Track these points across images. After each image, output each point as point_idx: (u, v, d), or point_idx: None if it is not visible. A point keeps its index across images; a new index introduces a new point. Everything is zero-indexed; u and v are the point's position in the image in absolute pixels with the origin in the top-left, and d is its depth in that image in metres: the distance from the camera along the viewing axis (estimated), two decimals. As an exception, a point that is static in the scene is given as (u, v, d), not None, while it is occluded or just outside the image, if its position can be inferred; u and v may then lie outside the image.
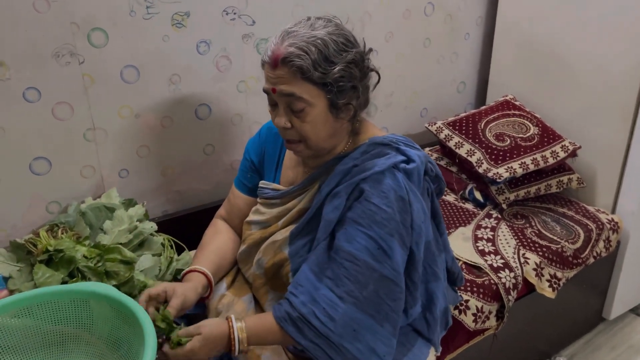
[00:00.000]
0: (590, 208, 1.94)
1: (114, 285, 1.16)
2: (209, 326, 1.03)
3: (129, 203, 1.47)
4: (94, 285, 1.01)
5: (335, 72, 1.03)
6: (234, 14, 1.60)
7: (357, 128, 1.18)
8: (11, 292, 1.20)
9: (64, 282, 1.14)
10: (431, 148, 2.19)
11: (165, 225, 1.60)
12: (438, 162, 2.08)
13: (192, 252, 1.44)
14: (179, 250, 1.43)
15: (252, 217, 1.30)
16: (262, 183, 1.30)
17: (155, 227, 1.38)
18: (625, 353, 1.99)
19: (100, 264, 1.17)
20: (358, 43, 1.09)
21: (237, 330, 1.03)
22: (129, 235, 1.35)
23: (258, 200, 1.31)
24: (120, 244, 1.32)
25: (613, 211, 1.96)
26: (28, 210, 1.44)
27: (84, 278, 1.15)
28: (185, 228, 1.64)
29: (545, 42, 2.05)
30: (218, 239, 1.33)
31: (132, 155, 1.57)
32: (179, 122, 1.61)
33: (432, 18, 2.08)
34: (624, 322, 2.13)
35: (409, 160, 1.13)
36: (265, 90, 1.08)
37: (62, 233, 1.30)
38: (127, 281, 1.17)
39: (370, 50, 1.11)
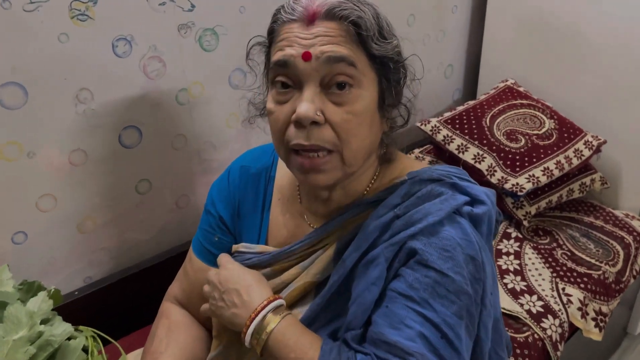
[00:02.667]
0: (618, 213, 1.63)
1: None
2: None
3: (28, 289, 0.99)
4: None
5: (395, 45, 0.71)
6: (164, -4, 1.12)
7: (390, 152, 0.79)
8: None
9: None
10: (421, 149, 1.80)
11: (90, 299, 1.15)
12: (434, 168, 1.70)
13: (135, 353, 0.99)
14: (108, 348, 0.98)
15: None
16: (243, 246, 0.87)
17: (70, 330, 0.92)
18: (660, 375, 1.72)
19: None
20: None
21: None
22: (31, 348, 0.88)
23: None
24: (18, 363, 0.86)
25: (642, 214, 1.66)
26: None
27: None
28: (121, 299, 1.19)
29: (553, 14, 1.67)
30: (176, 340, 0.89)
31: (29, 210, 1.08)
32: (96, 156, 1.13)
33: (416, -11, 1.67)
34: (648, 335, 1.86)
35: (474, 201, 0.75)
36: (283, 61, 0.67)
37: None
38: None
39: None
